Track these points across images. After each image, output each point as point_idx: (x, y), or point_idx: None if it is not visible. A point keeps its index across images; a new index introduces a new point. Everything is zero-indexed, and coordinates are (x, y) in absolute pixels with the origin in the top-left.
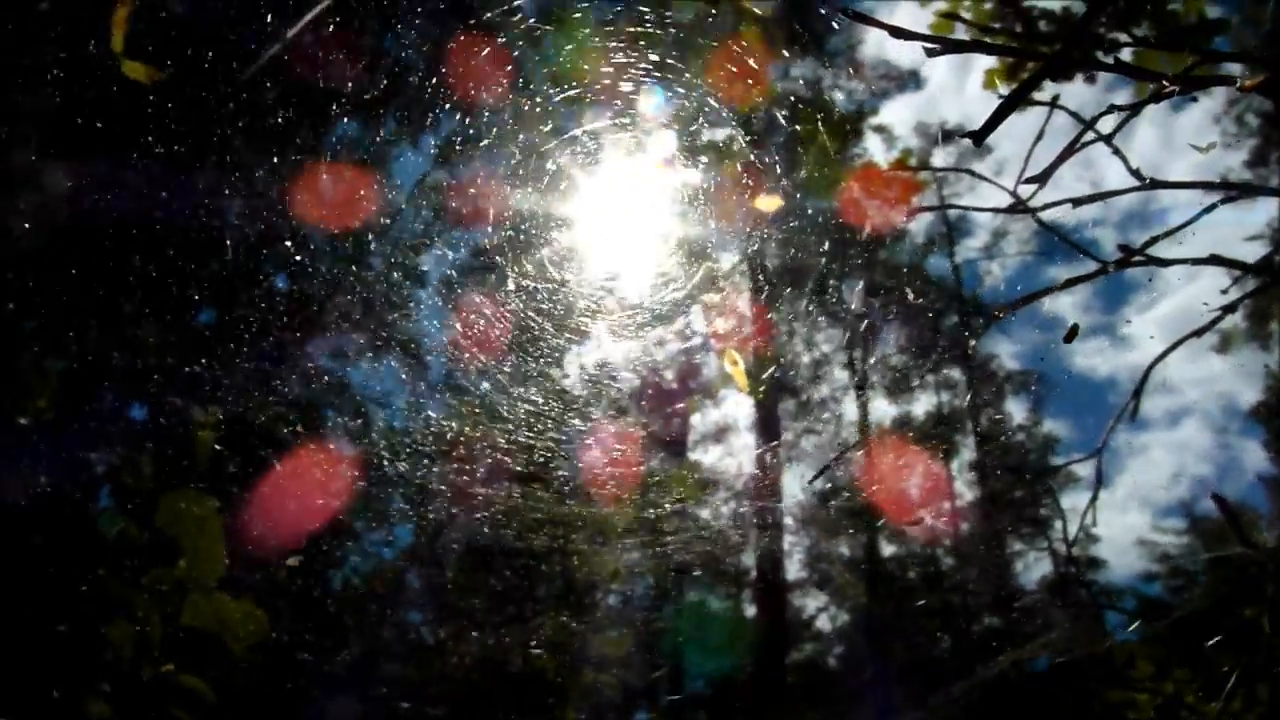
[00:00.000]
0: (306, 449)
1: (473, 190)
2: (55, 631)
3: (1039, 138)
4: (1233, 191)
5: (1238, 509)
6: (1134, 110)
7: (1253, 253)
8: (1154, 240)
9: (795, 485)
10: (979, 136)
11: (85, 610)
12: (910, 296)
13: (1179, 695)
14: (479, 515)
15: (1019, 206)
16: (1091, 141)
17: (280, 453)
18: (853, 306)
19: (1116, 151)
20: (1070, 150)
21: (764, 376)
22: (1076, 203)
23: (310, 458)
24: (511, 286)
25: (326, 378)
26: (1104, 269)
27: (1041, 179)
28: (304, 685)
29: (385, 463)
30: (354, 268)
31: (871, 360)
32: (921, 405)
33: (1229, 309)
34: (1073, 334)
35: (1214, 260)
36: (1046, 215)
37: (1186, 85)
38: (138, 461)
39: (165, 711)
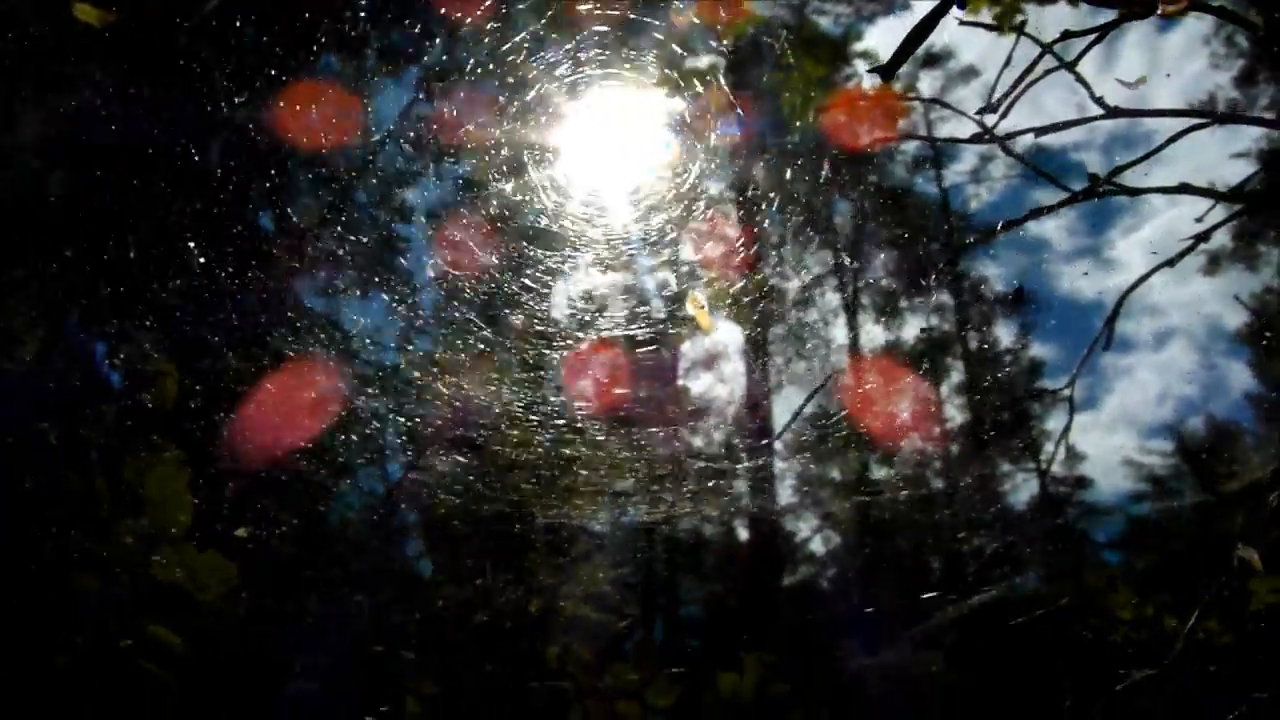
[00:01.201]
0: (283, 380)
1: (455, 119)
2: (23, 586)
3: (1006, 64)
4: (1203, 119)
5: (1226, 428)
6: (1100, 35)
7: (1241, 171)
8: (1121, 169)
9: (785, 410)
10: (887, 71)
11: (53, 564)
12: (895, 220)
13: (1158, 619)
14: (461, 449)
15: (983, 136)
16: (1054, 69)
17: (255, 388)
18: (839, 230)
19: (1079, 78)
20: (1027, 77)
21: (751, 302)
22: (1038, 132)
23: (287, 389)
24: (494, 215)
25: (304, 311)
26: (1072, 198)
27: (996, 108)
28: (279, 633)
29: (365, 397)
30: (333, 199)
31: (858, 283)
32: (909, 330)
33: (1200, 238)
34: (1019, 297)
35: (1184, 189)
36: (1042, 144)
37: (1145, 8)
38: (103, 412)
39: (135, 665)
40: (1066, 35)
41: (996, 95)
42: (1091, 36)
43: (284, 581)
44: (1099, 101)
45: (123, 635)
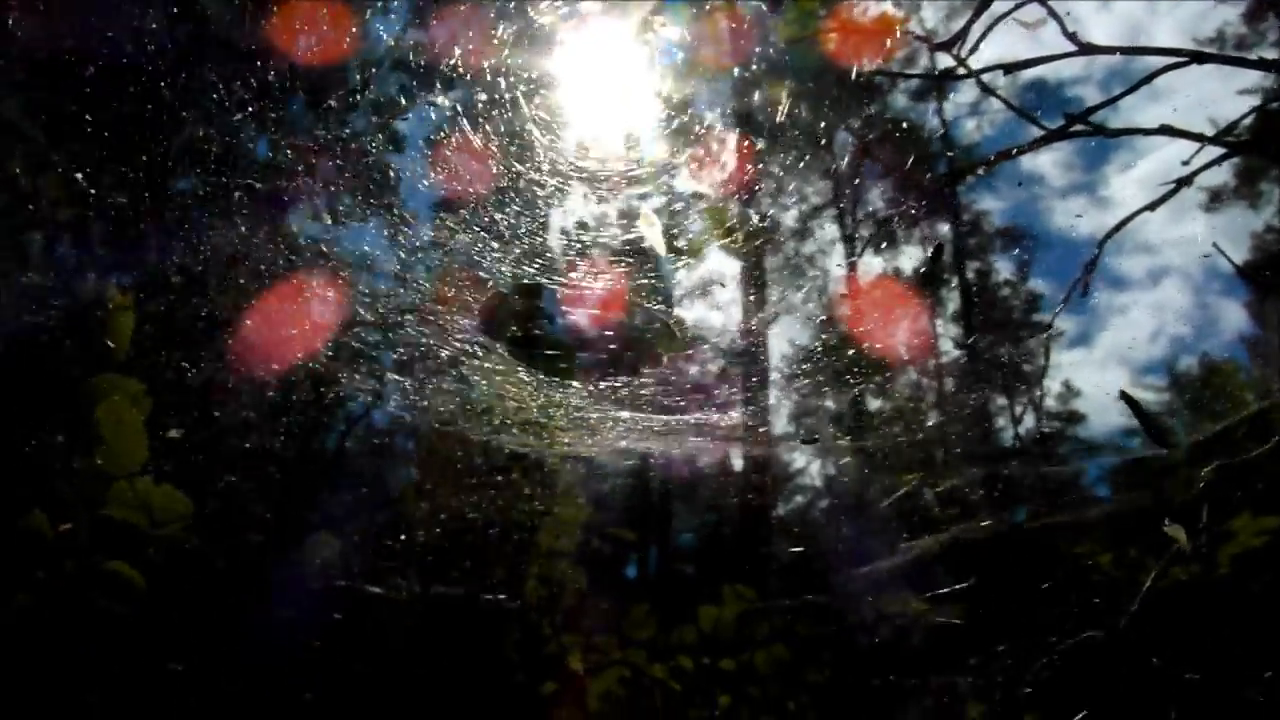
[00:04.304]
0: (255, 309)
1: (447, 48)
2: None
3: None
4: (1180, 57)
5: (1226, 365)
6: None
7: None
8: (1094, 109)
9: (782, 340)
10: None
11: (4, 500)
12: (887, 151)
13: (1141, 561)
14: (446, 378)
15: (954, 72)
16: (1025, 2)
17: (225, 316)
18: (838, 160)
19: (1051, 12)
20: (983, 9)
21: (750, 230)
22: (1007, 69)
23: (259, 318)
24: (487, 145)
25: (277, 235)
26: (1045, 138)
27: (950, 44)
28: (243, 569)
29: (346, 328)
30: (320, 126)
31: (852, 212)
32: (903, 261)
33: (1183, 181)
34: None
35: (1164, 130)
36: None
37: None
38: (58, 344)
39: (93, 601)
40: None
41: (975, 33)
42: None
43: (255, 512)
44: (1071, 37)
45: (80, 572)
